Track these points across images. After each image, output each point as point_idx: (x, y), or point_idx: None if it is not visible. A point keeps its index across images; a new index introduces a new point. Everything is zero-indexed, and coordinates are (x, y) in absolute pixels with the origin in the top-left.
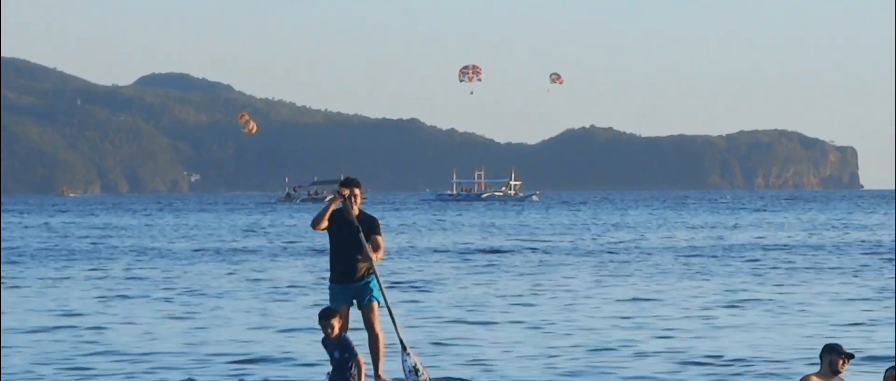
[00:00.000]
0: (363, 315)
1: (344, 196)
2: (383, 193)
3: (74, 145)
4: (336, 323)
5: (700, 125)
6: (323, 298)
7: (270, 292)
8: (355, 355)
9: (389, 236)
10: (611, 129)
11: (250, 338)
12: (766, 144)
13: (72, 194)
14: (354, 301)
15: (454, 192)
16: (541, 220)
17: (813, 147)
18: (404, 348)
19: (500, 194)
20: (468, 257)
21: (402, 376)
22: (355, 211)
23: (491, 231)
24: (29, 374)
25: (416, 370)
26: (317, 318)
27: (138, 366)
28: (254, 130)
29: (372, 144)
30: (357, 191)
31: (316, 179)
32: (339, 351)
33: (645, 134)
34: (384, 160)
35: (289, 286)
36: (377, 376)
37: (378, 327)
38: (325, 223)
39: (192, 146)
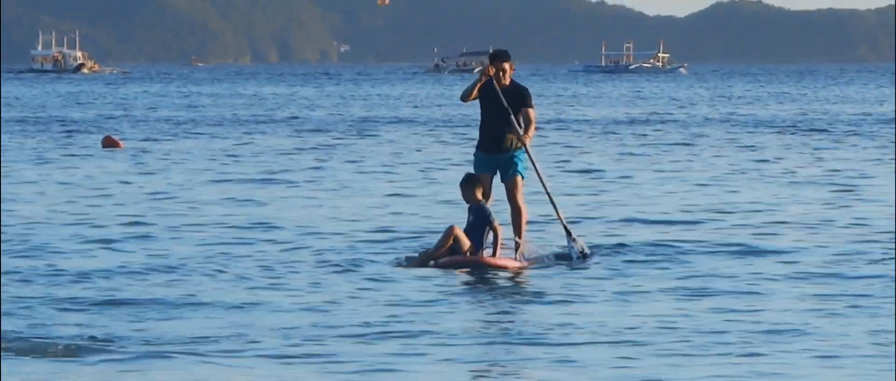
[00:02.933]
0: (506, 188)
1: (490, 75)
2: (532, 64)
3: (225, 15)
4: (477, 192)
5: None
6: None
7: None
8: (490, 221)
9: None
10: (759, 2)
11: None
12: None
13: (200, 64)
14: (499, 173)
15: (603, 64)
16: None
17: None
18: (569, 234)
19: (648, 65)
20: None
21: (551, 252)
22: (506, 81)
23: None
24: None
25: (584, 255)
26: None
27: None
28: (387, 2)
29: (522, 16)
30: (505, 65)
31: (464, 50)
32: (474, 215)
33: (793, 7)
34: (533, 32)
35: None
36: (517, 251)
37: (520, 201)
38: (474, 95)
39: (343, 16)
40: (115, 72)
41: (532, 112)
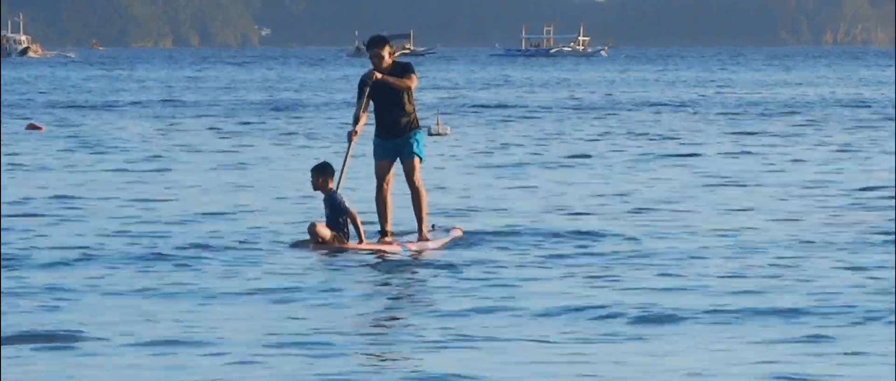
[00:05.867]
0: (404, 170)
1: (355, 134)
2: (454, 47)
3: None
4: (326, 180)
5: None
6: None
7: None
8: (346, 211)
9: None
10: None
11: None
12: (835, 1)
13: (101, 48)
14: (398, 158)
15: (524, 47)
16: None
17: (882, 5)
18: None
19: (569, 49)
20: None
21: (454, 233)
22: (386, 64)
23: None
24: None
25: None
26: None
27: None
28: None
29: None
30: (382, 52)
31: (385, 33)
32: (329, 208)
33: None
34: (455, 15)
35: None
36: (420, 234)
37: (419, 182)
38: (364, 117)
39: (263, 0)
40: (61, 56)
41: (413, 77)
